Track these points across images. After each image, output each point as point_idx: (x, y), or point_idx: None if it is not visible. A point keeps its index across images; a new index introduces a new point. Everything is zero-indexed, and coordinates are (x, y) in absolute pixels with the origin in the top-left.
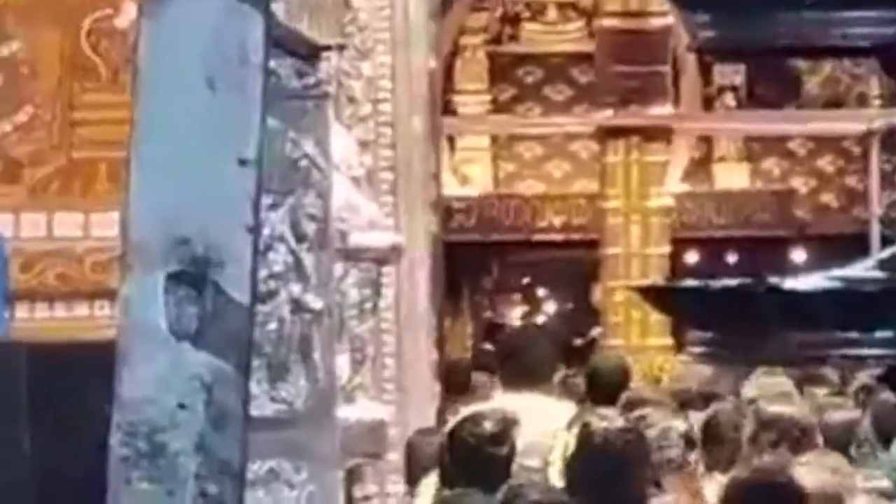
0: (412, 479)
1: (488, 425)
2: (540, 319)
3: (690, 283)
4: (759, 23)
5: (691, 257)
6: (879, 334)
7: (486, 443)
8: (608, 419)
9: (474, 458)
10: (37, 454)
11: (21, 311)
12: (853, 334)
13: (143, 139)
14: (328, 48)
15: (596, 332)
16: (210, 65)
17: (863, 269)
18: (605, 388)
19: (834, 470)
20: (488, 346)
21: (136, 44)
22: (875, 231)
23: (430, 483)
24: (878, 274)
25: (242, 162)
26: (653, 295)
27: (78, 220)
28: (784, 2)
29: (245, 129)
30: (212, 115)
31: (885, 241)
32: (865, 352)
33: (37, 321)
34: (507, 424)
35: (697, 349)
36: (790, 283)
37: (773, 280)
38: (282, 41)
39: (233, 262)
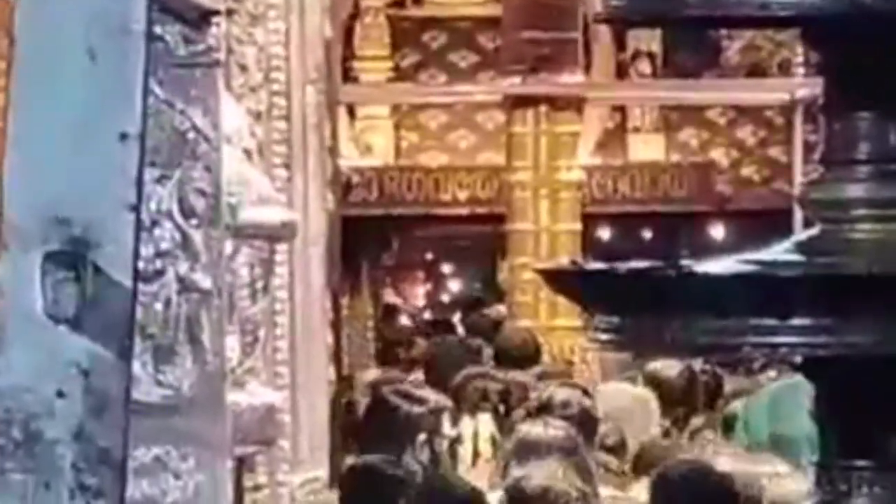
0: None
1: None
2: (444, 298)
3: (596, 265)
4: None
5: (604, 233)
6: (797, 321)
7: (406, 400)
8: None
9: (391, 416)
10: None
11: None
12: (769, 321)
13: (18, 111)
14: (217, 13)
15: (498, 310)
16: (90, 32)
17: (781, 252)
18: (513, 363)
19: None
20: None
21: (13, 10)
22: (799, 210)
23: None
24: (797, 257)
25: (124, 136)
26: (557, 278)
27: None
28: None
29: (127, 100)
30: (91, 86)
31: (807, 221)
32: (781, 339)
33: None
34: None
35: (603, 335)
36: (702, 267)
37: (685, 263)
38: (167, 5)
39: (114, 242)
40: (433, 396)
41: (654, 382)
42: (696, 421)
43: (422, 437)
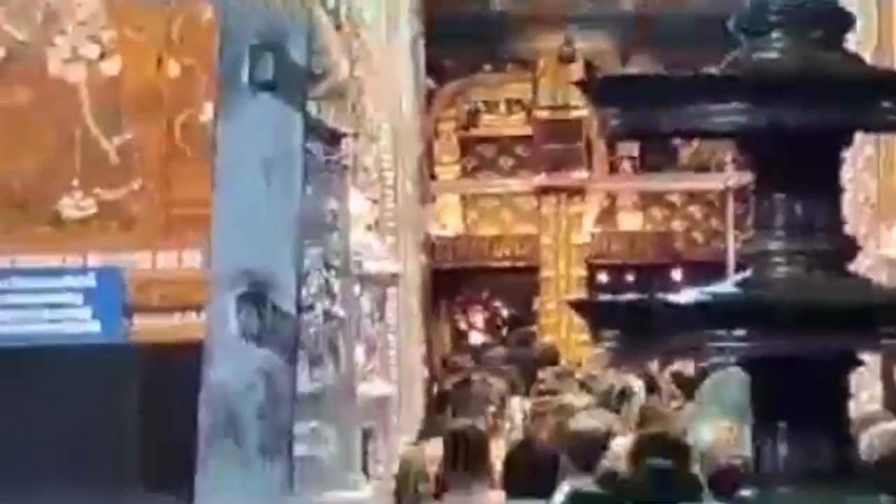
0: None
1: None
2: (497, 322)
3: (603, 298)
4: (650, 115)
5: (601, 278)
6: (738, 332)
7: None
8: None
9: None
10: (146, 415)
11: (136, 320)
12: (720, 332)
13: (220, 201)
14: (346, 135)
15: (533, 329)
16: (265, 148)
17: (725, 287)
18: (541, 364)
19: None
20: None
21: (215, 134)
22: (731, 260)
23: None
24: (736, 290)
25: (288, 217)
26: (578, 306)
27: (174, 256)
28: (668, 100)
29: (289, 192)
30: (268, 184)
31: (738, 267)
32: (729, 345)
33: (146, 327)
34: None
35: (608, 344)
36: (674, 298)
37: (661, 296)
38: (315, 130)
39: (283, 287)
40: (500, 384)
41: (679, 378)
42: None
43: (491, 409)
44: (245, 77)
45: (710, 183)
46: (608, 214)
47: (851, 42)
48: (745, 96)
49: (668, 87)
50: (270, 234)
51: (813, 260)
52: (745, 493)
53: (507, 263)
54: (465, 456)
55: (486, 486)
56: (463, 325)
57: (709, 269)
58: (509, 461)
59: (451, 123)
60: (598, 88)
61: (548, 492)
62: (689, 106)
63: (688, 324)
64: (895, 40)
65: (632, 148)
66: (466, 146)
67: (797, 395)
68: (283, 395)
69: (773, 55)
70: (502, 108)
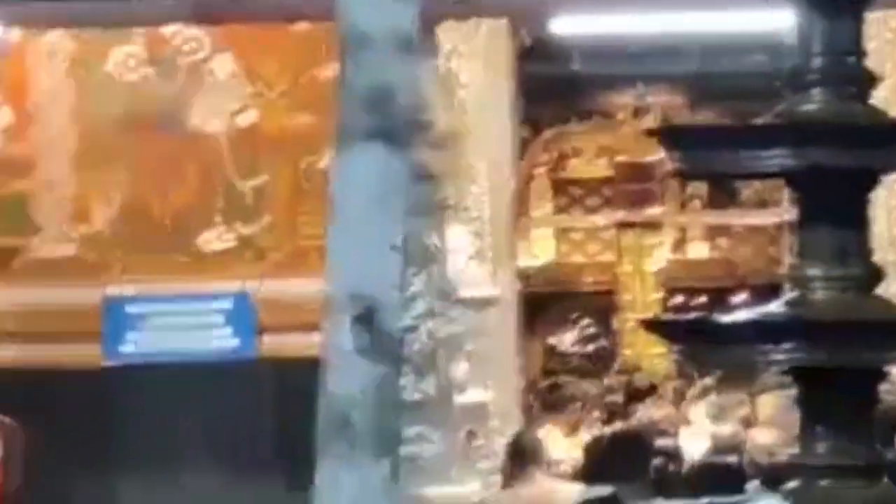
0: None
1: None
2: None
3: (670, 317)
4: (711, 159)
5: (675, 300)
6: (785, 345)
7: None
8: None
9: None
10: (276, 420)
11: (266, 338)
12: (768, 346)
13: (335, 235)
14: (447, 178)
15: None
16: (375, 191)
17: (775, 307)
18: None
19: None
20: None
21: (330, 177)
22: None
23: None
24: (784, 310)
25: (394, 247)
26: (649, 325)
27: (299, 283)
28: (723, 145)
29: (394, 227)
30: (376, 221)
31: (791, 288)
32: (776, 357)
33: (275, 345)
34: None
35: (677, 356)
36: (728, 318)
37: (717, 315)
38: (420, 174)
39: (389, 309)
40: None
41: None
42: None
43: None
44: (357, 126)
45: (769, 218)
46: (680, 246)
47: (879, 99)
48: (789, 142)
49: (723, 135)
50: (377, 264)
51: (847, 283)
52: (791, 485)
53: (591, 288)
54: (524, 454)
55: (544, 475)
56: (553, 341)
57: (767, 291)
58: (585, 452)
59: (544, 168)
60: (666, 136)
61: (622, 479)
62: (741, 150)
63: (741, 339)
64: None
65: (700, 187)
66: (557, 187)
67: (834, 401)
68: (390, 402)
69: (813, 107)
70: (588, 154)
